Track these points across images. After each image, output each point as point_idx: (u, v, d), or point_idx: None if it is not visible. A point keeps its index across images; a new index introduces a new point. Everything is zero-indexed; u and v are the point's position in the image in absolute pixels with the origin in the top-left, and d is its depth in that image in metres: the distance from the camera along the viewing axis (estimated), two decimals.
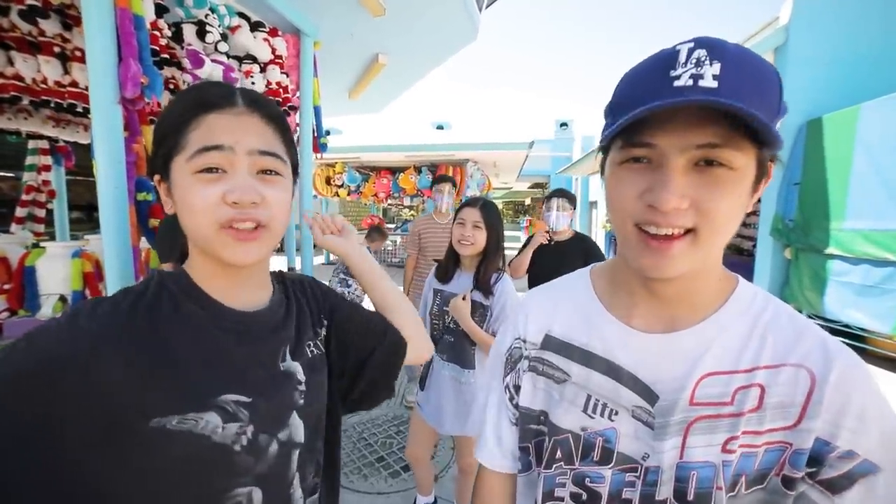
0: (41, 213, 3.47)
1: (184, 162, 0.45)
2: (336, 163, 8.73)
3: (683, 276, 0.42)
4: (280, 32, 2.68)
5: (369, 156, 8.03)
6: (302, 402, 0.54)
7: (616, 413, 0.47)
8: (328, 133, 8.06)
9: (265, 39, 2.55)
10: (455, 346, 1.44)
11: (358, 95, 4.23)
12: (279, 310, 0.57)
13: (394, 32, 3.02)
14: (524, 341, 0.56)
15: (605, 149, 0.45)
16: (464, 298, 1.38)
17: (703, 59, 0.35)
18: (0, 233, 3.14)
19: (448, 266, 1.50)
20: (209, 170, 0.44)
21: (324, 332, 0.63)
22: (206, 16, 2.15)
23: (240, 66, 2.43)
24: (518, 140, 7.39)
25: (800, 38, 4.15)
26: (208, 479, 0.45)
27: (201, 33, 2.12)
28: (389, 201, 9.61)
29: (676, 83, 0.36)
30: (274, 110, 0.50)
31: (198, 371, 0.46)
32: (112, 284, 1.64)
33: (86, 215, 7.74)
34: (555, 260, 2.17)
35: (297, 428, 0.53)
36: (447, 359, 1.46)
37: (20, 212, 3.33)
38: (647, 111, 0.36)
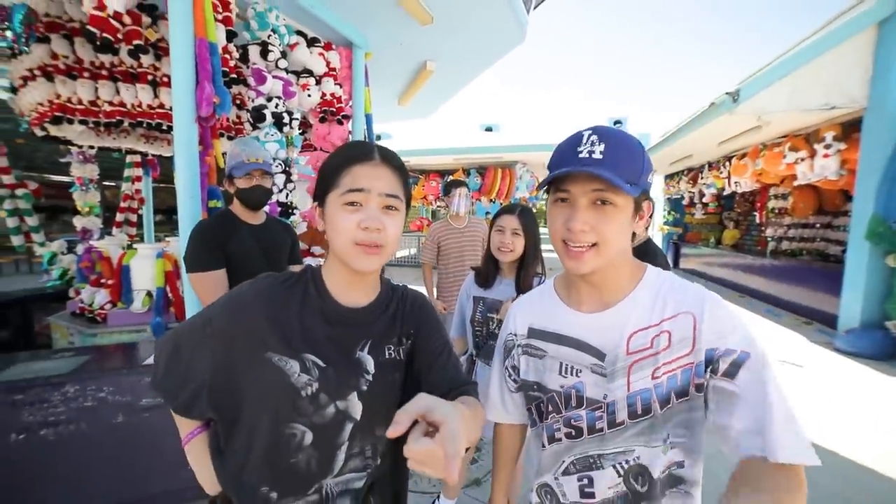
0: (134, 217, 3.99)
1: (336, 196, 0.65)
2: None
3: (599, 270, 0.65)
4: (334, 46, 2.85)
5: (418, 159, 8.22)
6: (365, 388, 0.69)
7: (580, 371, 0.70)
8: (379, 138, 8.38)
9: (320, 54, 2.72)
10: None
11: (407, 102, 4.35)
12: (373, 312, 0.74)
13: (441, 39, 3.06)
14: (515, 335, 0.80)
15: (546, 191, 0.70)
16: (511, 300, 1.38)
17: (595, 141, 0.61)
18: (105, 235, 3.66)
19: (488, 272, 1.51)
20: (351, 203, 0.64)
21: (407, 345, 0.76)
22: (269, 36, 2.34)
23: (297, 80, 2.61)
24: None
25: None
26: (281, 405, 0.65)
27: (264, 52, 2.32)
28: (438, 203, 9.74)
29: (580, 155, 0.62)
30: (398, 162, 0.70)
31: (297, 331, 0.67)
32: (188, 282, 1.84)
33: (166, 217, 8.73)
34: None
35: (354, 405, 0.68)
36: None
37: (119, 217, 3.86)
38: (564, 172, 0.62)
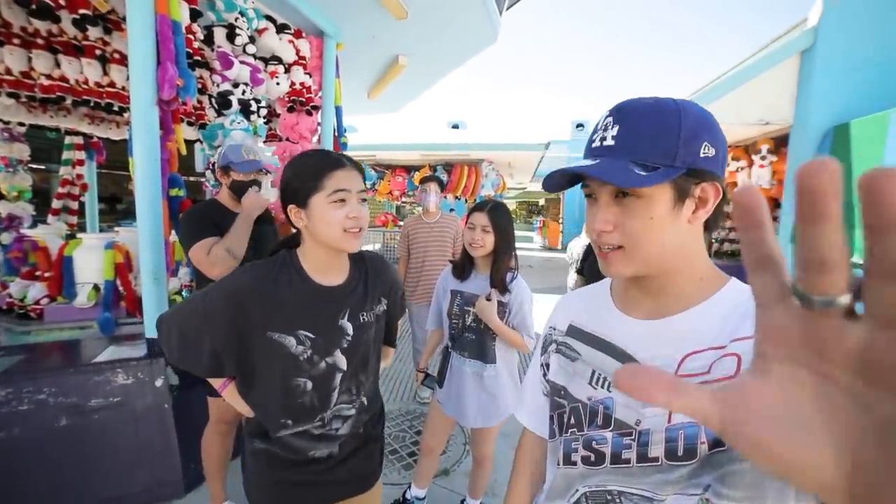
0: (74, 205, 3.64)
1: (323, 198, 0.83)
2: None
3: (651, 276, 0.54)
4: (304, 34, 2.76)
5: (385, 154, 8.12)
6: (346, 346, 0.91)
7: (613, 385, 0.54)
8: (346, 131, 8.19)
9: (290, 41, 2.62)
10: (477, 342, 1.49)
11: (377, 95, 4.29)
12: (350, 286, 0.94)
13: (415, 35, 3.06)
14: (554, 329, 0.71)
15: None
16: (488, 299, 1.42)
17: (609, 125, 0.51)
18: (38, 223, 3.31)
19: (464, 266, 1.56)
20: (338, 201, 0.83)
21: (381, 307, 1.01)
22: (236, 19, 2.23)
23: (266, 67, 2.51)
24: (534, 141, 7.37)
25: (829, 41, 4.05)
26: (286, 367, 0.86)
27: (231, 36, 2.20)
28: (404, 199, 9.68)
29: (593, 145, 0.53)
30: (360, 165, 0.89)
31: (291, 314, 0.86)
32: (146, 275, 1.73)
33: (108, 207, 8.02)
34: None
35: (340, 359, 0.91)
36: (469, 356, 1.51)
37: (56, 204, 3.50)
38: (561, 172, 0.54)
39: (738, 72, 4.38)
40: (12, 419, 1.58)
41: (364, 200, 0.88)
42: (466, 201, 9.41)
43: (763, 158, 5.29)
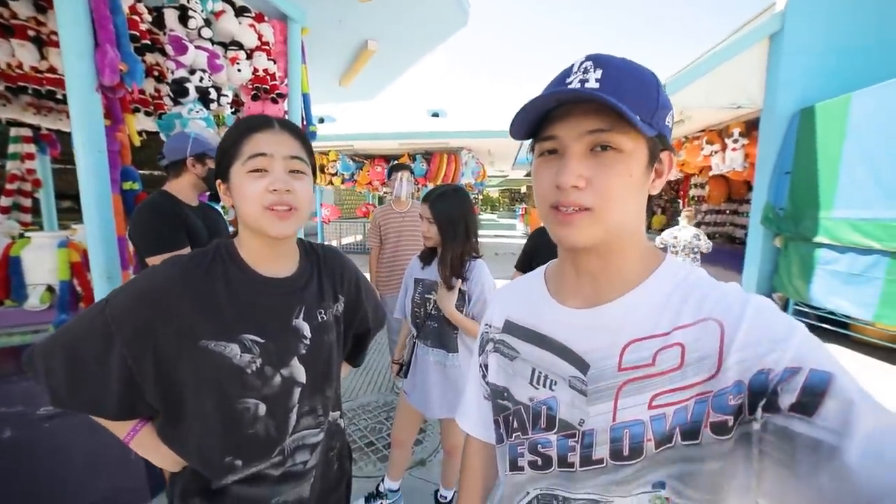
0: (27, 202, 3.42)
1: (240, 166, 0.65)
2: (329, 151, 8.64)
3: (597, 252, 0.49)
4: (266, 18, 2.62)
5: (363, 144, 7.95)
6: (304, 352, 0.72)
7: (555, 383, 0.52)
8: (321, 121, 7.95)
9: (251, 25, 2.49)
10: (439, 331, 1.47)
11: (349, 82, 4.16)
12: (300, 279, 0.75)
13: (382, 18, 2.96)
14: (490, 326, 0.65)
15: (531, 148, 0.53)
16: (450, 287, 1.40)
17: (589, 68, 0.45)
18: None
19: (428, 253, 1.53)
20: (257, 170, 0.65)
21: (338, 306, 0.82)
22: (189, 0, 2.09)
23: (225, 52, 2.38)
24: None
25: (795, 25, 4.11)
26: (229, 386, 0.66)
27: (183, 18, 2.07)
28: (384, 189, 9.55)
29: (569, 86, 0.45)
30: (298, 129, 0.71)
31: (231, 315, 0.66)
32: (98, 274, 1.64)
33: (76, 204, 7.64)
34: (552, 245, 2.10)
35: (298, 370, 0.72)
36: (431, 344, 1.49)
37: (4, 201, 3.28)
38: (546, 100, 0.44)
39: (710, 56, 4.41)
40: None
41: (299, 172, 0.68)
42: None
43: (735, 142, 5.39)
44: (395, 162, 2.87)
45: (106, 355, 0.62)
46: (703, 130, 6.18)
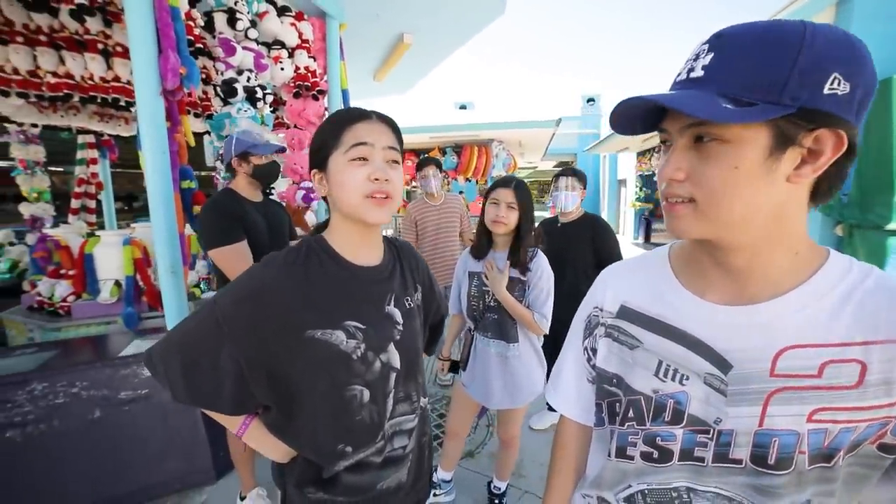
0: (91, 203, 3.70)
1: (340, 155, 0.67)
2: None
3: (737, 248, 0.45)
4: (306, 16, 2.68)
5: None
6: (398, 337, 0.75)
7: (687, 378, 0.50)
8: None
9: (292, 24, 2.55)
10: (499, 322, 1.47)
11: (383, 77, 4.19)
12: (387, 268, 0.78)
13: (419, 10, 2.94)
14: (601, 310, 0.61)
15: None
16: (500, 271, 1.41)
17: (702, 53, 0.41)
18: (60, 223, 3.38)
19: (482, 245, 1.51)
20: (358, 158, 0.66)
21: (418, 295, 0.85)
22: (236, 3, 2.16)
23: (269, 52, 2.45)
24: (544, 118, 7.16)
25: None
26: (337, 373, 0.68)
27: (232, 21, 2.15)
28: (413, 184, 9.61)
29: (678, 78, 0.44)
30: (393, 121, 0.73)
31: (332, 304, 0.69)
32: (163, 269, 1.73)
33: (126, 205, 8.18)
34: (561, 242, 2.01)
35: (394, 356, 0.74)
36: (492, 336, 1.48)
37: (74, 203, 3.57)
38: (618, 108, 0.45)
39: None
40: (51, 411, 1.63)
41: (396, 162, 0.70)
42: (477, 182, 9.27)
43: None
44: (424, 156, 2.87)
45: (217, 354, 0.65)
46: None
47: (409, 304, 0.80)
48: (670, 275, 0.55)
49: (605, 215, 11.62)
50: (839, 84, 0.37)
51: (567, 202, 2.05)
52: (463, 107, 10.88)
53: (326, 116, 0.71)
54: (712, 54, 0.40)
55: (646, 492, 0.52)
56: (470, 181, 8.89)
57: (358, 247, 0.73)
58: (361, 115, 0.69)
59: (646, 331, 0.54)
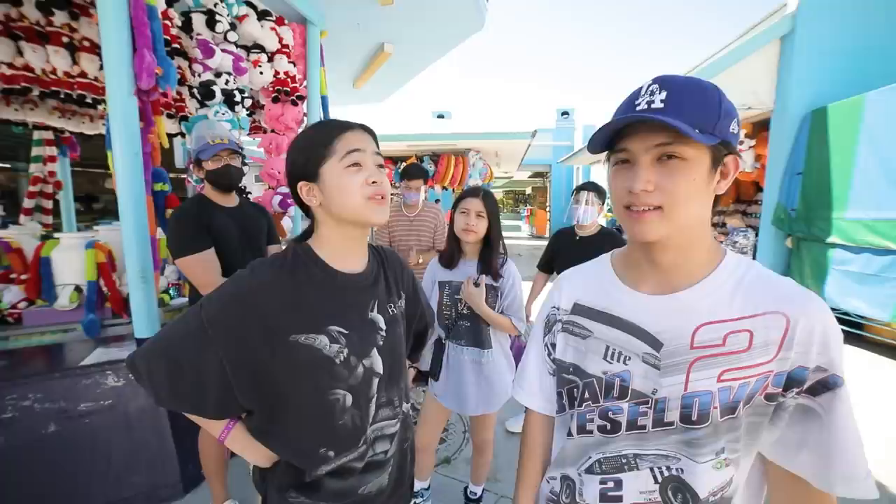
0: (48, 204, 3.47)
1: (336, 163, 0.69)
2: None
3: (671, 246, 0.57)
4: (286, 21, 2.67)
5: None
6: (381, 343, 0.76)
7: (629, 359, 0.61)
8: None
9: (272, 28, 2.53)
10: (472, 330, 1.50)
11: (362, 85, 4.20)
12: (371, 275, 0.80)
13: (401, 21, 2.99)
14: (558, 309, 0.72)
15: (607, 158, 0.62)
16: (476, 284, 1.43)
17: (655, 90, 0.52)
18: (8, 224, 3.15)
19: (452, 254, 1.53)
20: (354, 164, 0.69)
21: (402, 302, 0.87)
22: (215, 4, 2.13)
23: (248, 55, 2.42)
24: (520, 129, 7.35)
25: (807, 27, 4.12)
26: (320, 377, 0.69)
27: (211, 22, 2.11)
28: (393, 190, 9.59)
29: (637, 108, 0.53)
30: (373, 131, 0.76)
31: (316, 309, 0.70)
32: (133, 274, 1.67)
33: (84, 206, 7.71)
34: (579, 255, 2.04)
35: (377, 361, 0.75)
36: (465, 343, 1.51)
37: (28, 203, 3.33)
38: (615, 124, 0.54)
39: (721, 57, 4.42)
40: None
41: (381, 166, 0.74)
42: (454, 191, 9.37)
43: (741, 143, 5.41)
44: (407, 165, 2.78)
45: (202, 357, 0.65)
46: None
47: (393, 311, 0.81)
48: (612, 274, 0.67)
49: None
50: (736, 127, 0.54)
51: (586, 216, 2.12)
52: (441, 116, 10.98)
53: (305, 131, 0.75)
54: (666, 92, 0.52)
55: (601, 460, 0.63)
56: (446, 190, 8.97)
57: (345, 254, 0.76)
58: (348, 126, 0.72)
59: (595, 322, 0.65)
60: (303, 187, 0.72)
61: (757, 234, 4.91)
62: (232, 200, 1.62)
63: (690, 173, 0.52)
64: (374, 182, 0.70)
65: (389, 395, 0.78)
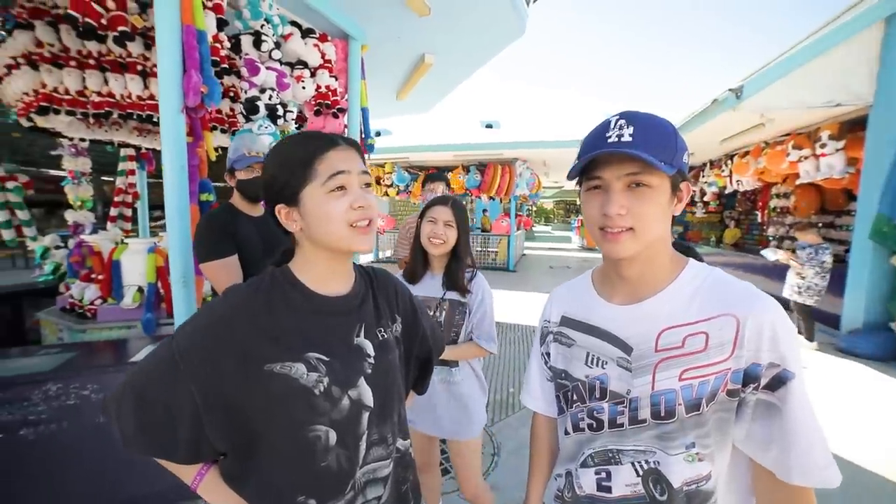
0: (128, 212, 3.93)
1: (317, 188, 0.64)
2: (385, 163, 8.98)
3: (637, 261, 0.64)
4: (329, 38, 2.79)
5: (417, 156, 8.16)
6: (370, 371, 0.69)
7: (606, 363, 0.68)
8: (378, 134, 8.30)
9: (315, 45, 2.65)
10: None
11: (405, 96, 4.28)
12: (358, 297, 0.73)
13: (440, 31, 3.00)
14: (549, 322, 0.82)
15: (578, 182, 0.69)
16: (443, 305, 1.37)
17: (624, 125, 0.60)
18: (99, 230, 3.60)
19: (416, 267, 1.43)
20: (338, 189, 0.64)
21: (397, 326, 0.80)
22: (262, 26, 2.28)
23: (291, 71, 2.55)
24: (569, 138, 7.09)
25: None
26: (295, 410, 0.62)
27: (257, 43, 2.26)
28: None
29: (609, 140, 0.60)
30: (356, 143, 0.70)
31: (294, 336, 0.64)
32: (175, 279, 1.79)
33: (163, 214, 8.67)
34: None
35: (365, 391, 0.68)
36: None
37: (113, 211, 3.80)
38: (591, 156, 0.61)
39: (801, 49, 3.91)
40: (62, 413, 1.68)
41: (369, 185, 0.68)
42: (501, 201, 9.23)
43: (823, 146, 4.67)
44: (430, 172, 2.87)
45: (173, 394, 0.60)
46: (787, 134, 5.49)
47: (384, 336, 0.74)
48: (591, 288, 0.75)
49: None
50: (687, 158, 0.63)
51: None
52: (489, 125, 10.96)
53: (281, 143, 0.69)
54: (633, 128, 0.59)
55: (592, 454, 0.70)
56: (493, 200, 8.86)
57: (328, 277, 0.70)
58: (331, 143, 0.66)
59: (577, 332, 0.74)
60: (281, 210, 0.67)
61: (847, 250, 4.22)
62: (258, 210, 1.69)
63: (656, 198, 0.60)
64: (360, 207, 0.64)
65: (382, 432, 0.70)
